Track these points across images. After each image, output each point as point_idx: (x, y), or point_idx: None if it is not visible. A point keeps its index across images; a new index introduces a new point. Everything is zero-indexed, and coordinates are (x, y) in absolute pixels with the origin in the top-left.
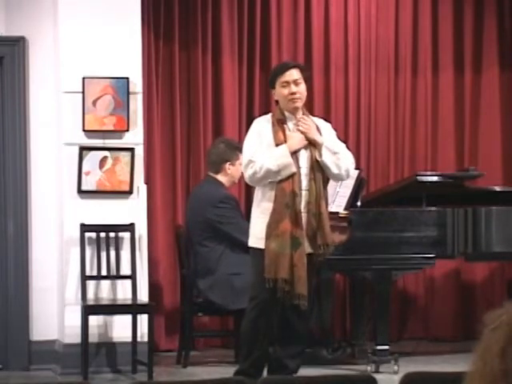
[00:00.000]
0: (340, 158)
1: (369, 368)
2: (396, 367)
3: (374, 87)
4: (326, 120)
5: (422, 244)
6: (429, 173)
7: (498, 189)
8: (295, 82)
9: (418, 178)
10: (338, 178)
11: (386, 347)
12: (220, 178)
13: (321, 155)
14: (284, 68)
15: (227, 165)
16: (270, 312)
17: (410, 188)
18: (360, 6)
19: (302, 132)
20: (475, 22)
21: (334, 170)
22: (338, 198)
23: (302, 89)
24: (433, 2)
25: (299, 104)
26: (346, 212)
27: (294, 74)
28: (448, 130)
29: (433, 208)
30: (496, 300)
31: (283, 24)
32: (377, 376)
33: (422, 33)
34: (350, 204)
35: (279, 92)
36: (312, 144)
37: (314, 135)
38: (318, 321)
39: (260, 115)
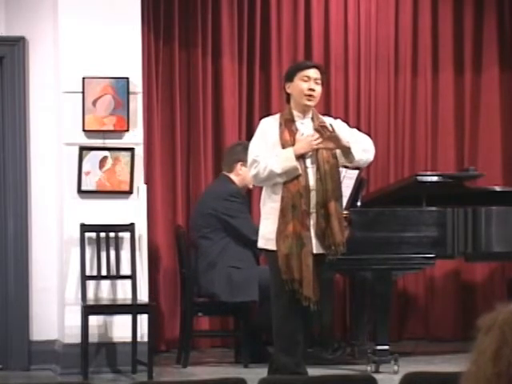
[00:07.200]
0: (365, 143)
1: (369, 368)
2: (396, 367)
3: (374, 87)
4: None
5: (422, 244)
6: (429, 173)
7: (498, 189)
8: (315, 81)
9: (418, 178)
10: (367, 162)
11: (386, 347)
12: (232, 176)
13: (353, 158)
14: (307, 65)
15: (239, 165)
16: (293, 312)
17: (410, 188)
18: (360, 6)
19: (331, 147)
20: (475, 22)
21: (364, 157)
22: None
23: (319, 90)
24: (433, 2)
25: (312, 103)
26: (346, 212)
27: (316, 72)
28: (448, 130)
29: (433, 208)
30: (496, 300)
31: (283, 24)
32: (377, 376)
33: (422, 33)
34: (350, 204)
35: (297, 85)
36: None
37: (342, 142)
38: (318, 321)
39: (260, 115)
